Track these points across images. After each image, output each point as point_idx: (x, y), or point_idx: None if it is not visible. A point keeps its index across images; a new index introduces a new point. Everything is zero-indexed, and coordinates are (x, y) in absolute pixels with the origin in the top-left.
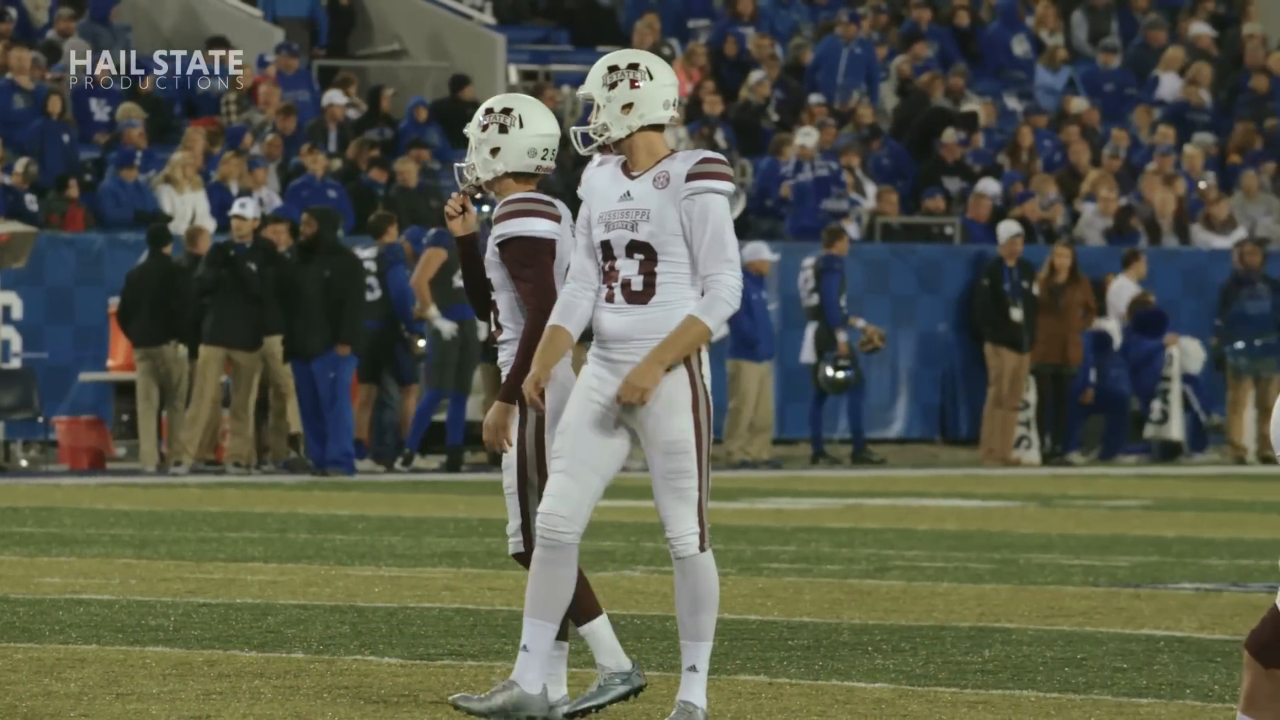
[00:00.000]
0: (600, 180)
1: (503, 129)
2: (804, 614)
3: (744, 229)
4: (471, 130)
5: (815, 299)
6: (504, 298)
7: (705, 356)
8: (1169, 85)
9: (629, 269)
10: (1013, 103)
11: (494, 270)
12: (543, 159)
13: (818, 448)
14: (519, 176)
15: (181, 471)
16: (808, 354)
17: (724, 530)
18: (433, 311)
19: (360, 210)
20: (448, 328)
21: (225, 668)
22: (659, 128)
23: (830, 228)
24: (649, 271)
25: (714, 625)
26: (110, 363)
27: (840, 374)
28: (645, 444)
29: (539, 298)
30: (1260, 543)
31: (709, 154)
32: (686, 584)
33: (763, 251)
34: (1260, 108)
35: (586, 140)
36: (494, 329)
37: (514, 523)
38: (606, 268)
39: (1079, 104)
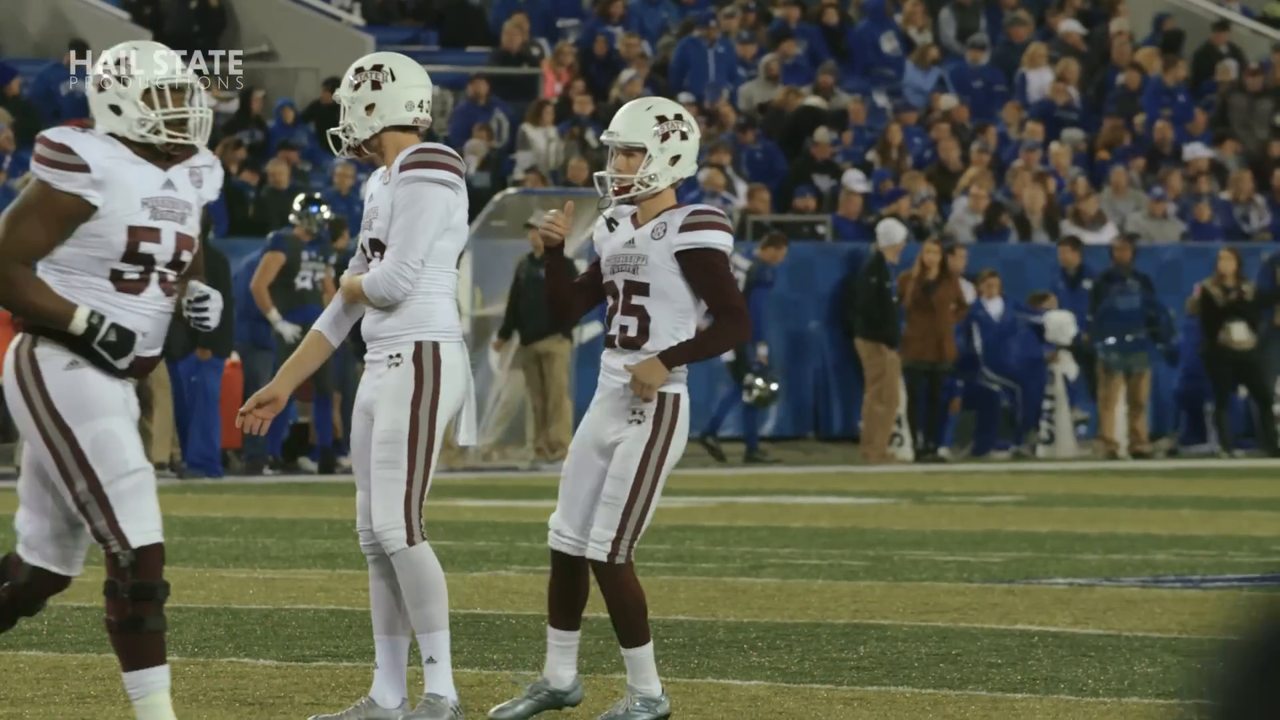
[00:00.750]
0: (370, 185)
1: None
2: (679, 612)
3: None
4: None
5: None
6: (663, 306)
7: (444, 353)
8: (1038, 82)
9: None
10: (882, 100)
11: (656, 274)
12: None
13: (751, 445)
14: (402, 129)
15: None
16: (729, 354)
17: None
18: (274, 315)
19: (234, 212)
20: (290, 331)
21: (99, 671)
22: (407, 129)
23: (772, 233)
24: None
25: (445, 614)
26: None
27: (772, 386)
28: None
29: (738, 304)
30: (1132, 537)
31: (430, 145)
32: (401, 579)
33: None
34: (1128, 104)
35: (337, 143)
36: (629, 336)
37: (607, 532)
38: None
39: (948, 101)
